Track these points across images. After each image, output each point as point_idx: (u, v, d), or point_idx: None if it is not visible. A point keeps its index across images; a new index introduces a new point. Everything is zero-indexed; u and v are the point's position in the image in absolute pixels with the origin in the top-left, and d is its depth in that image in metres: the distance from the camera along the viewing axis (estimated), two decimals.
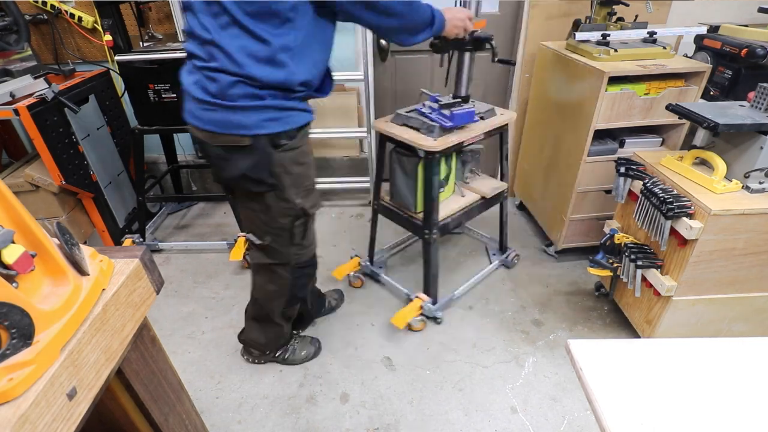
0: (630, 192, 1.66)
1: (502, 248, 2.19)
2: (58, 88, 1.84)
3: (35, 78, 1.95)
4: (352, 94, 2.58)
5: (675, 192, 1.43)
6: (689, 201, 1.38)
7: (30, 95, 1.81)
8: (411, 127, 1.63)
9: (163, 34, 2.24)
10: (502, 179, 1.95)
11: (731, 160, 1.41)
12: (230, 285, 2.12)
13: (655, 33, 1.85)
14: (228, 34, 0.97)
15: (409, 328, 1.82)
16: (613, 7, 1.94)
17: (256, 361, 1.69)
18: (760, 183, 1.37)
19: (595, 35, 1.85)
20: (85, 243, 0.67)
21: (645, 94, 1.78)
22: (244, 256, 2.16)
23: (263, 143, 1.08)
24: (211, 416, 1.53)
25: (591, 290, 2.04)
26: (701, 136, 1.56)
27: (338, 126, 2.65)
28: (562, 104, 2.01)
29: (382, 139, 1.73)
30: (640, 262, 1.55)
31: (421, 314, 1.83)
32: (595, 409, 0.62)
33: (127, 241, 2.23)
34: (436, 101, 1.63)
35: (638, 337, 1.71)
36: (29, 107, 1.71)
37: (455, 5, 1.54)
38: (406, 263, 2.27)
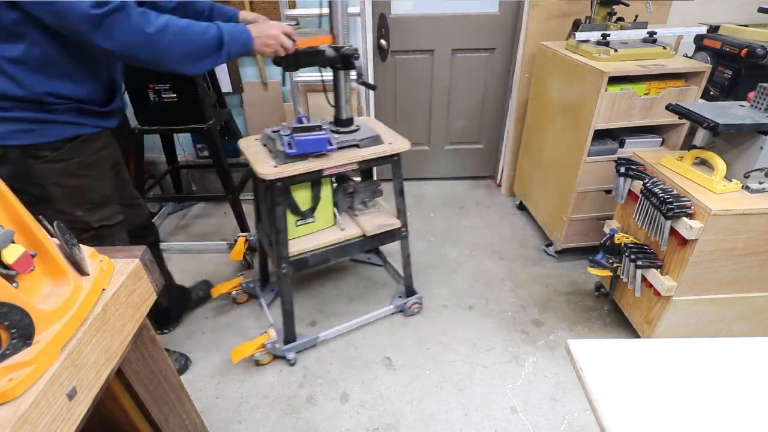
0: (630, 192, 1.66)
1: (408, 291, 1.92)
2: None
3: None
4: (352, 94, 2.57)
5: (675, 192, 1.43)
6: (689, 201, 1.38)
7: None
8: (269, 150, 1.50)
9: None
10: (398, 216, 1.74)
11: (731, 160, 1.41)
12: None
13: (655, 33, 1.85)
14: None
15: (256, 363, 1.68)
16: (613, 7, 1.94)
17: None
18: (760, 183, 1.37)
19: (595, 35, 1.85)
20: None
21: (645, 94, 1.78)
22: (244, 256, 2.16)
23: (17, 154, 1.07)
24: (211, 416, 1.53)
25: (591, 290, 2.04)
26: (701, 136, 1.56)
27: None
28: (562, 104, 2.02)
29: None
30: (640, 262, 1.55)
31: (265, 351, 1.67)
32: (595, 409, 0.62)
33: None
34: (299, 122, 1.49)
35: (638, 337, 1.71)
36: None
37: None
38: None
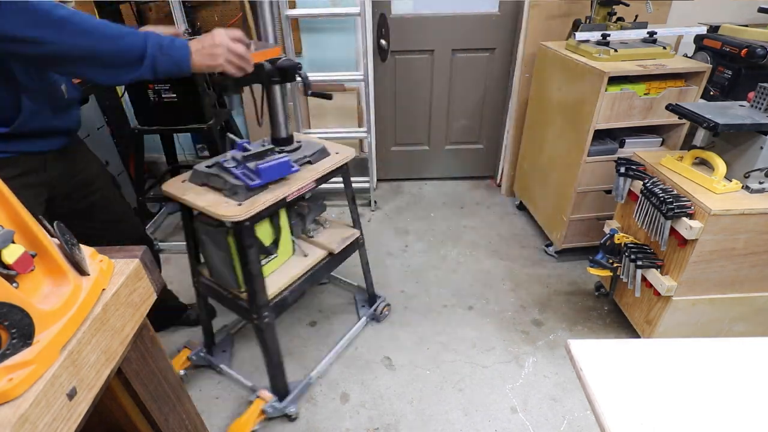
0: (630, 192, 1.66)
1: (371, 299, 1.88)
2: None
3: None
4: (353, 94, 2.58)
5: (675, 192, 1.43)
6: (689, 201, 1.38)
7: None
8: (213, 188, 1.27)
9: None
10: (353, 225, 1.68)
11: (731, 160, 1.41)
12: None
13: (655, 33, 1.85)
14: None
15: None
16: (613, 7, 1.94)
17: None
18: (760, 183, 1.37)
19: (595, 35, 1.85)
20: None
21: (645, 94, 1.78)
22: None
23: None
24: (211, 416, 1.53)
25: (591, 290, 2.04)
26: (701, 136, 1.56)
27: (338, 126, 2.66)
28: (562, 104, 2.02)
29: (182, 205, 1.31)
30: (640, 262, 1.55)
31: (266, 417, 1.48)
32: (595, 409, 0.62)
33: None
34: (244, 149, 1.28)
35: (638, 337, 1.71)
36: None
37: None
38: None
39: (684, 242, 1.40)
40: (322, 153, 1.45)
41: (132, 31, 0.95)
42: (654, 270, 1.53)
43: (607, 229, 1.78)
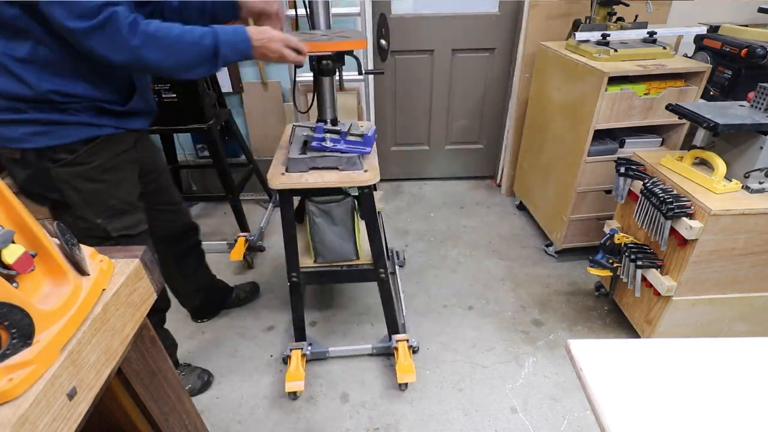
0: (630, 192, 1.66)
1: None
2: None
3: None
4: (353, 94, 2.58)
5: (675, 192, 1.43)
6: (689, 201, 1.38)
7: None
8: (322, 169, 1.36)
9: None
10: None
11: (731, 160, 1.41)
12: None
13: (655, 33, 1.85)
14: None
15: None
16: (613, 7, 1.94)
17: None
18: (760, 183, 1.37)
19: (595, 35, 1.85)
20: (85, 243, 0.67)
21: (645, 94, 1.78)
22: (244, 256, 2.16)
23: (34, 157, 1.05)
24: (211, 416, 1.53)
25: (591, 290, 2.04)
26: (701, 136, 1.56)
27: None
28: (562, 104, 2.01)
29: (284, 196, 1.38)
30: (640, 262, 1.55)
31: (413, 351, 1.71)
32: (595, 409, 0.62)
33: None
34: (338, 131, 1.35)
35: (638, 337, 1.71)
36: None
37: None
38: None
39: (684, 242, 1.40)
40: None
41: (204, 32, 1.05)
42: (654, 270, 1.53)
43: (607, 229, 1.78)
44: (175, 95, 1.92)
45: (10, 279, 0.49)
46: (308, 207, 1.42)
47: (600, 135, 1.89)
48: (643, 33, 1.87)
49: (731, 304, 1.53)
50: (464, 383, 1.63)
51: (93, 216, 1.15)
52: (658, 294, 1.52)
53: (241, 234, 2.22)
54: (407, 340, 1.67)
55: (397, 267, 2.14)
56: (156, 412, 0.76)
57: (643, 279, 1.58)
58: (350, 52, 1.32)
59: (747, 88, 1.59)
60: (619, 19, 1.96)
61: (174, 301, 1.74)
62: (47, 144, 1.04)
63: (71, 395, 0.52)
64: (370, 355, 1.74)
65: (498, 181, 2.93)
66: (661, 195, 1.42)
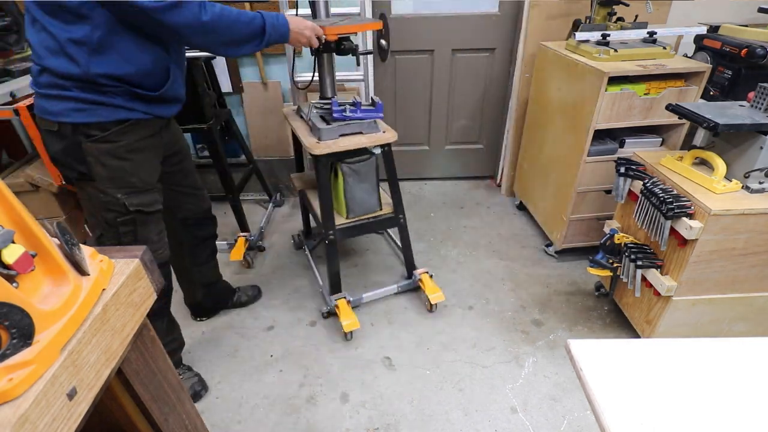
0: (630, 192, 1.66)
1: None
2: None
3: None
4: (353, 94, 2.58)
5: (675, 192, 1.43)
6: (689, 201, 1.38)
7: (30, 95, 1.81)
8: (351, 134, 1.61)
9: None
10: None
11: (731, 160, 1.41)
12: None
13: (655, 33, 1.85)
14: (33, 30, 1.08)
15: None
16: (613, 7, 1.94)
17: None
18: (760, 183, 1.37)
19: (595, 35, 1.85)
20: (85, 243, 0.67)
21: (645, 94, 1.78)
22: (244, 256, 2.16)
23: (69, 130, 1.14)
24: (211, 416, 1.53)
25: (591, 290, 2.04)
26: (701, 136, 1.56)
27: None
28: (562, 104, 2.01)
29: (322, 162, 1.59)
30: (640, 262, 1.55)
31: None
32: (595, 409, 0.62)
33: None
34: (353, 103, 1.62)
35: (638, 337, 1.71)
36: (29, 107, 1.70)
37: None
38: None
39: (684, 242, 1.40)
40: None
41: (255, 15, 1.21)
42: (654, 270, 1.53)
43: (607, 229, 1.78)
44: None
45: (10, 279, 0.49)
46: (341, 168, 1.66)
47: (600, 135, 1.89)
48: (643, 33, 1.87)
49: (731, 304, 1.53)
50: (464, 383, 1.63)
51: (114, 190, 1.23)
52: (658, 294, 1.52)
53: (241, 234, 2.22)
54: (427, 271, 1.97)
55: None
56: (156, 412, 0.76)
57: (643, 279, 1.58)
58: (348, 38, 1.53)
59: (747, 88, 1.59)
60: (619, 19, 1.96)
61: (175, 299, 1.73)
62: (83, 120, 1.13)
63: (71, 395, 0.52)
64: (396, 294, 2.02)
65: (498, 181, 2.93)
66: (661, 195, 1.42)
